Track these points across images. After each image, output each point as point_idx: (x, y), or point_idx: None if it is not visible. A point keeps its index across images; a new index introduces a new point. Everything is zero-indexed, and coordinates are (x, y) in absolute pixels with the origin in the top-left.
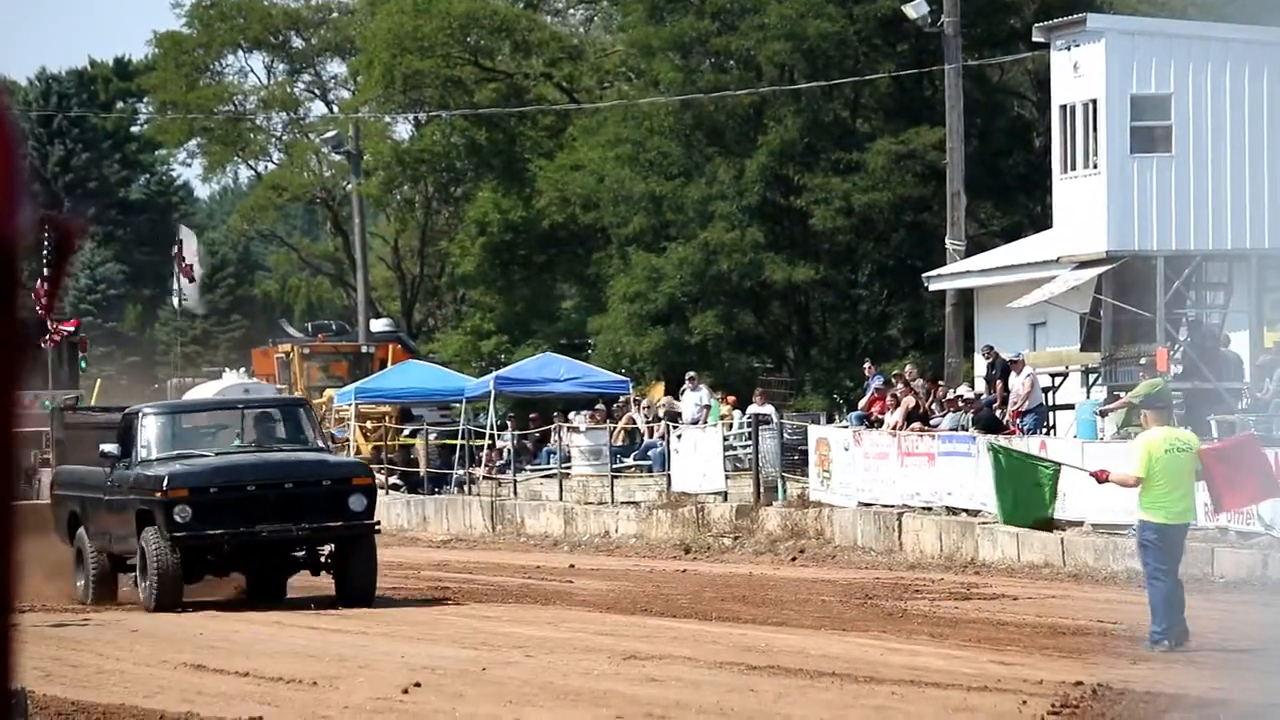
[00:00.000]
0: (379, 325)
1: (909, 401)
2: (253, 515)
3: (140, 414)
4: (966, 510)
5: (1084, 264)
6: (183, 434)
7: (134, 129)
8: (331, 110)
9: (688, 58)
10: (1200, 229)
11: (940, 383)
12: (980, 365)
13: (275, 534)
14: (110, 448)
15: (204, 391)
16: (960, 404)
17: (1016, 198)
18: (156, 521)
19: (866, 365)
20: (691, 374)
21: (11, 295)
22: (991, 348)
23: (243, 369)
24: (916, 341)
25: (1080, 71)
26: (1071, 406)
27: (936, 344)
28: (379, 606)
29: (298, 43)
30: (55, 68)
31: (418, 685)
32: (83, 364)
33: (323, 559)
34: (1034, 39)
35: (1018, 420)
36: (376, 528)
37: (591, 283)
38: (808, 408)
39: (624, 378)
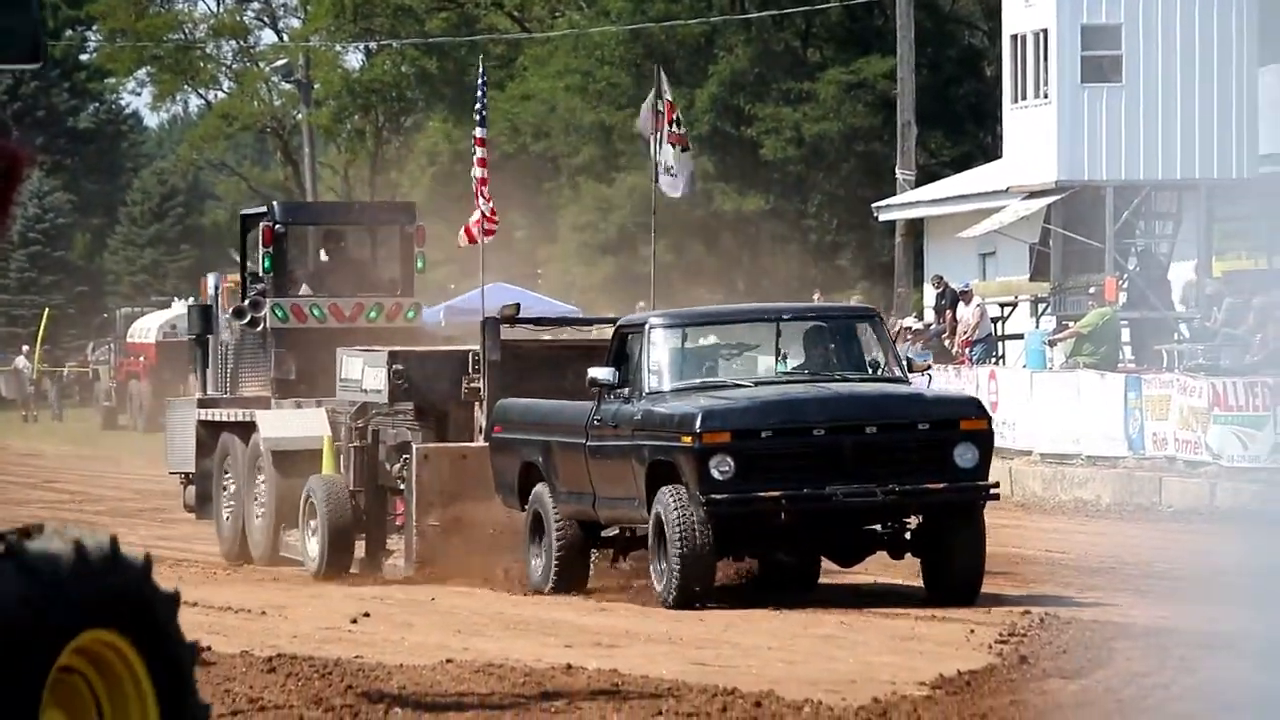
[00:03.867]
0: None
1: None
2: (820, 471)
3: (646, 326)
4: None
5: (1033, 194)
6: (701, 355)
7: (83, 57)
8: (281, 39)
9: None
10: (1150, 159)
11: (892, 313)
12: (930, 295)
13: (852, 498)
14: (601, 373)
15: (152, 321)
16: (909, 334)
17: (967, 128)
18: (682, 477)
19: (816, 295)
20: (642, 304)
21: None
22: (941, 277)
23: (192, 298)
24: (866, 271)
25: (1031, 1)
26: (1020, 336)
27: (886, 274)
28: None
29: None
30: None
31: (366, 615)
32: (419, 263)
33: (907, 535)
34: None
35: (967, 350)
36: (992, 492)
37: (541, 212)
38: None
39: (574, 307)
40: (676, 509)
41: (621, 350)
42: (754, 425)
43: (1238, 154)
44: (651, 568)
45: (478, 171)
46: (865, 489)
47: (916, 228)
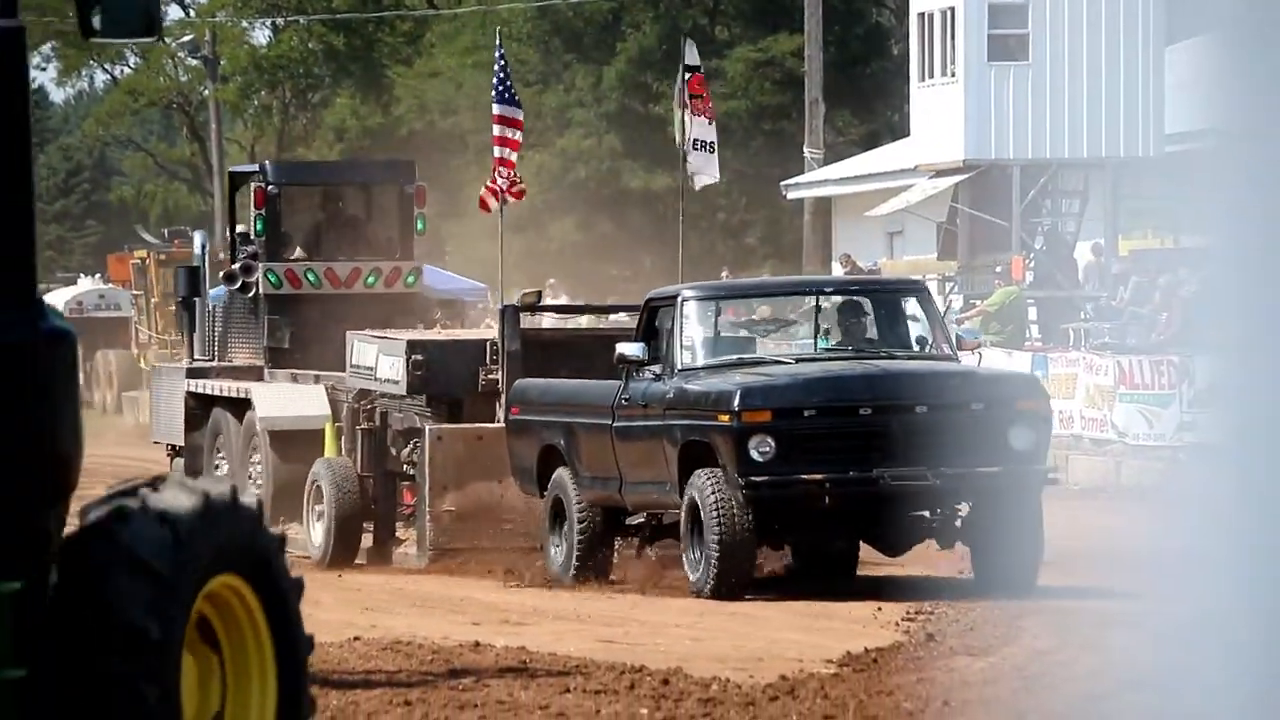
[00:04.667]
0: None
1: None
2: (867, 453)
3: (679, 299)
4: None
5: (941, 172)
6: (737, 330)
7: None
8: (188, 14)
9: None
10: (1056, 138)
11: None
12: (838, 274)
13: (900, 482)
14: (630, 348)
15: (58, 298)
16: None
17: (874, 106)
18: (719, 459)
19: (724, 273)
20: (551, 281)
21: None
22: (849, 256)
23: (98, 275)
24: (774, 250)
25: None
26: None
27: (795, 253)
28: None
29: None
30: None
31: None
32: (419, 224)
33: (958, 522)
34: None
35: None
36: (1051, 476)
37: (449, 189)
38: None
39: (483, 284)
40: (714, 493)
41: (651, 325)
42: (796, 403)
43: (1144, 133)
44: (685, 556)
45: (507, 153)
46: (915, 472)
47: (824, 206)
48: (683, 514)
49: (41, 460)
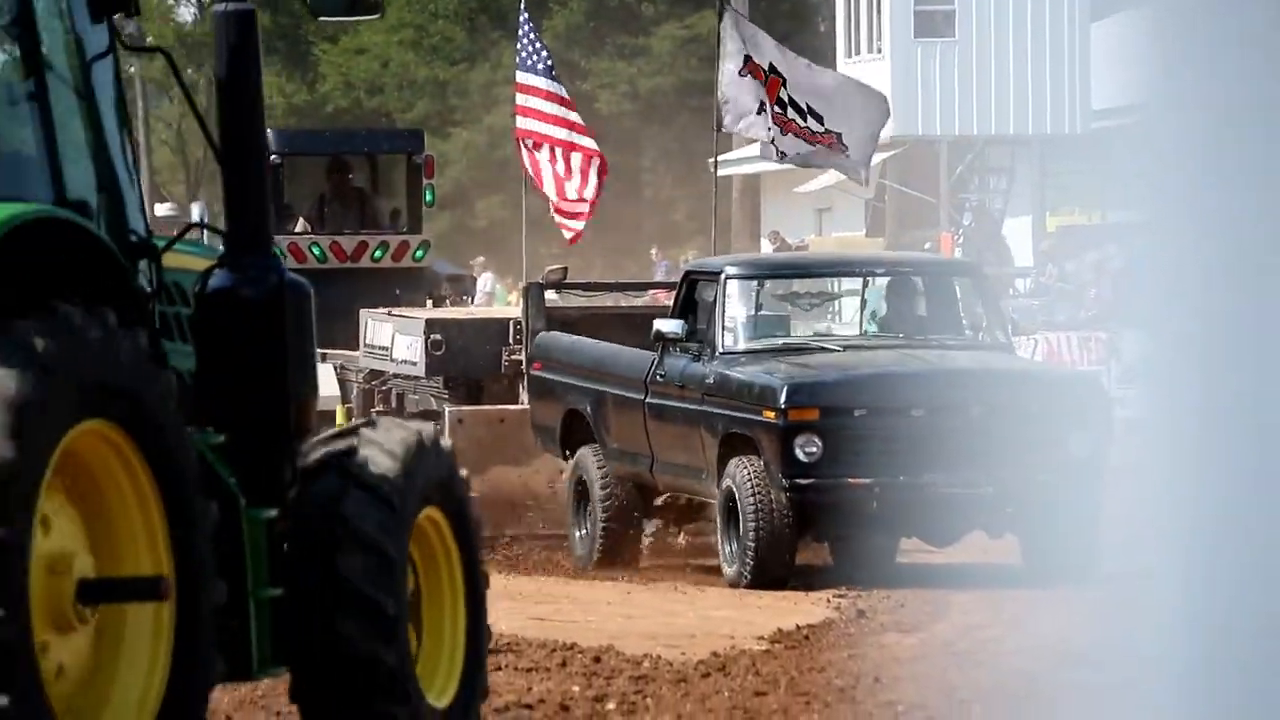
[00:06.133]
0: (162, 209)
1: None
2: (918, 456)
3: (721, 276)
4: None
5: None
6: (780, 309)
7: None
8: None
9: None
10: (983, 114)
11: None
12: (766, 251)
13: (953, 488)
14: (669, 325)
15: None
16: None
17: None
18: (762, 455)
19: (654, 251)
20: (481, 258)
21: None
22: (777, 233)
23: None
24: (702, 227)
25: None
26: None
27: (723, 230)
28: None
29: None
30: None
31: None
32: (428, 195)
33: (1008, 509)
34: None
35: None
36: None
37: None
38: None
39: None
40: (754, 491)
41: (689, 299)
42: (846, 403)
43: (1070, 109)
44: (721, 549)
45: (538, 125)
46: (967, 478)
47: (753, 183)
48: (719, 504)
49: (288, 402)
